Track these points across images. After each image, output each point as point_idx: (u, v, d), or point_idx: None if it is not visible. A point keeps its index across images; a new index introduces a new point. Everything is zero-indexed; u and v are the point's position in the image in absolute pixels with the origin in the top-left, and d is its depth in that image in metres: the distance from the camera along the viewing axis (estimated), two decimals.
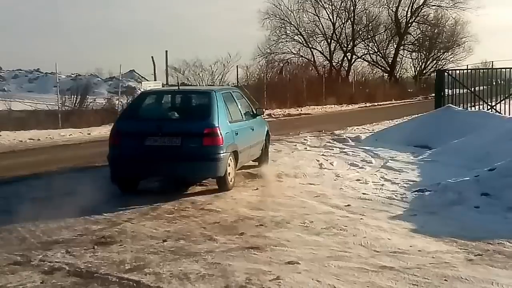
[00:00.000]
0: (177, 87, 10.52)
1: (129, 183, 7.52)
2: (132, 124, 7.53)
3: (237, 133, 7.79)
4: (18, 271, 4.34)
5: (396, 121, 17.02)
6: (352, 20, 45.78)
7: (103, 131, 17.69)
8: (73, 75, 33.41)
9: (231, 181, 7.51)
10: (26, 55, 56.10)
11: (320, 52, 45.82)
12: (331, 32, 45.65)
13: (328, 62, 45.55)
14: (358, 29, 46.33)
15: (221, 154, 7.19)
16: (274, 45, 43.51)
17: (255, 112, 9.23)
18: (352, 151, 11.25)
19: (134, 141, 7.28)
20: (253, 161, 9.10)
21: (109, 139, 7.57)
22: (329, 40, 45.77)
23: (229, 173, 7.40)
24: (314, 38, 45.59)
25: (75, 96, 19.65)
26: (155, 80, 22.62)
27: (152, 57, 22.33)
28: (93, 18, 72.59)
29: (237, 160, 7.78)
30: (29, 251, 4.84)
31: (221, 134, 7.25)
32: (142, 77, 32.73)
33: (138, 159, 7.19)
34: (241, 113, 8.52)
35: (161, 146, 7.15)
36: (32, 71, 36.42)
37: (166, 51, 33.71)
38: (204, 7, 77.16)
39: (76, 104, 19.43)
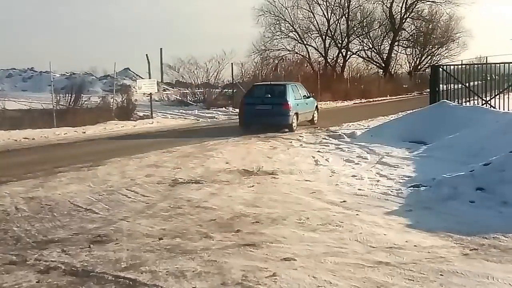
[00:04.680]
0: (270, 82, 20.65)
1: (248, 126, 15.88)
2: (250, 99, 16.43)
3: (298, 105, 16.34)
4: (13, 270, 4.32)
5: (391, 117, 17.05)
6: (346, 16, 45.76)
7: (98, 129, 17.69)
8: (67, 74, 33.22)
9: (294, 127, 15.71)
10: (20, 54, 55.69)
11: (315, 48, 45.84)
12: (326, 28, 45.64)
13: (323, 58, 45.54)
14: (353, 25, 46.33)
15: (290, 113, 15.65)
16: (269, 42, 43.48)
17: (308, 96, 17.88)
18: (348, 147, 11.27)
19: (250, 107, 15.90)
20: (307, 121, 17.51)
21: (239, 107, 17.02)
22: (324, 37, 45.76)
23: (293, 124, 15.77)
24: (309, 34, 45.58)
25: (70, 95, 19.54)
26: (149, 78, 22.52)
27: (146, 55, 22.18)
28: (87, 16, 72.30)
29: (297, 118, 16.17)
30: (25, 251, 4.83)
31: (290, 104, 15.74)
32: (136, 75, 32.67)
33: (252, 115, 15.73)
34: (300, 95, 17.12)
35: (263, 109, 15.63)
36: (26, 70, 36.19)
37: (161, 49, 33.78)
38: (198, 4, 77.03)
39: (70, 103, 19.33)
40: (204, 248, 4.72)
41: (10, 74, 35.44)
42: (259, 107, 15.76)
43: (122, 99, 21.86)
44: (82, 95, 20.47)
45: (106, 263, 4.42)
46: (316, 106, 18.52)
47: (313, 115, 17.96)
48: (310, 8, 45.03)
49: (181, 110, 25.28)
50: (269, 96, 16.43)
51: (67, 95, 19.50)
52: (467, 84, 15.05)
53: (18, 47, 55.65)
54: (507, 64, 15.43)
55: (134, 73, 34.33)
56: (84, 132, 16.87)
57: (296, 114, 16.02)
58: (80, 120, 18.03)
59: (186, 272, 4.14)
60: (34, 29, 66.91)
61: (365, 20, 46.43)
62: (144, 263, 4.38)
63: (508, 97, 14.40)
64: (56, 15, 71.70)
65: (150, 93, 22.20)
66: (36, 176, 8.69)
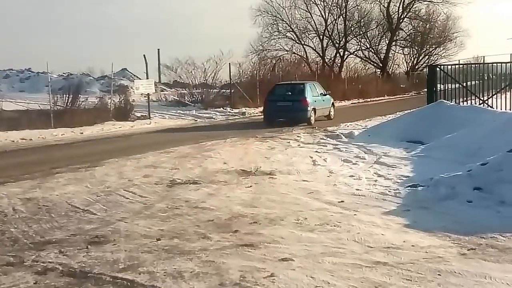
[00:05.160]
0: (290, 81, 22.92)
1: (271, 121, 17.83)
2: (272, 97, 18.58)
3: (315, 101, 18.42)
4: (11, 272, 4.31)
5: (389, 117, 17.07)
6: (344, 16, 45.85)
7: (96, 130, 17.68)
8: (65, 74, 33.18)
9: (312, 121, 17.66)
10: (18, 55, 55.69)
11: (312, 48, 45.93)
12: (323, 28, 45.71)
13: (320, 58, 45.62)
14: (350, 25, 46.41)
15: (308, 109, 17.70)
16: (267, 42, 43.59)
17: (325, 93, 20.03)
18: (345, 147, 11.28)
19: (273, 104, 18.06)
20: (324, 116, 19.40)
21: (263, 104, 19.28)
22: (321, 37, 45.83)
23: (311, 118, 17.80)
24: (307, 34, 45.67)
25: (67, 95, 19.54)
26: (147, 78, 22.50)
27: (144, 55, 22.16)
28: (85, 16, 72.23)
29: (315, 113, 18.20)
30: (22, 252, 4.82)
31: (308, 101, 17.83)
32: (134, 75, 32.63)
33: (275, 111, 17.89)
34: (318, 93, 19.29)
35: (284, 106, 17.68)
36: (24, 70, 36.11)
37: (158, 50, 33.76)
38: (196, 5, 77.02)
39: (68, 104, 19.32)
40: (202, 249, 4.72)
41: (7, 74, 35.36)
42: (280, 104, 17.99)
43: (119, 99, 21.85)
44: (79, 95, 20.47)
45: (103, 264, 4.42)
46: (332, 103, 20.78)
47: (329, 111, 20.10)
48: (307, 8, 45.15)
49: (178, 111, 25.27)
50: (289, 94, 18.63)
51: (64, 95, 19.50)
52: (464, 83, 15.07)
53: (15, 48, 55.59)
54: (504, 64, 15.47)
55: (132, 73, 34.30)
56: (82, 133, 16.86)
57: (314, 109, 18.22)
58: (77, 120, 18.02)
59: (184, 273, 4.13)
60: (32, 29, 66.85)
61: (362, 20, 46.53)
62: (142, 264, 4.38)
63: (505, 97, 14.43)
64: (53, 16, 71.64)
65: (148, 93, 22.20)
66: (34, 177, 8.67)
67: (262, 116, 19.30)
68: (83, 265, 4.43)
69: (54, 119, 17.56)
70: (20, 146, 13.90)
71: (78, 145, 14.05)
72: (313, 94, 18.73)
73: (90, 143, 14.39)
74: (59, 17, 73.10)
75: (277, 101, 18.07)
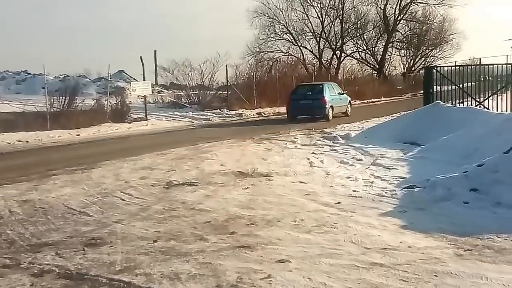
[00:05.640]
0: (310, 82, 25.83)
1: (294, 117, 20.34)
2: (294, 96, 21.11)
3: (333, 99, 20.84)
4: (7, 274, 4.30)
5: (386, 119, 17.10)
6: (340, 18, 45.94)
7: (92, 132, 17.66)
8: (61, 76, 33.13)
9: (330, 118, 20.00)
10: (14, 57, 55.58)
11: (309, 50, 46.02)
12: (320, 30, 45.80)
13: (317, 60, 45.68)
14: (347, 27, 46.52)
15: (327, 106, 20.24)
16: (263, 44, 43.68)
17: (342, 93, 22.58)
18: (342, 149, 11.29)
19: (295, 102, 20.54)
20: (342, 113, 21.85)
21: (287, 102, 21.67)
22: (318, 38, 45.92)
23: (329, 114, 20.20)
24: (303, 36, 45.76)
25: (64, 97, 19.51)
26: (144, 80, 22.51)
27: (141, 57, 22.24)
28: (81, 18, 72.17)
29: (333, 110, 20.60)
30: (18, 254, 4.81)
31: (326, 99, 20.35)
32: (131, 77, 32.60)
33: (297, 109, 20.43)
34: (335, 92, 21.74)
35: (305, 104, 20.22)
36: (20, 72, 36.03)
37: (155, 51, 33.71)
38: (193, 7, 77.03)
39: (64, 105, 19.30)
40: (198, 250, 4.71)
41: (3, 76, 35.27)
42: (302, 102, 20.54)
43: (116, 101, 21.83)
44: (76, 97, 20.44)
45: (100, 266, 4.41)
46: (349, 102, 23.25)
47: (346, 108, 22.57)
48: (304, 10, 45.24)
49: (175, 112, 25.28)
50: (310, 93, 21.13)
51: (61, 97, 19.47)
52: (460, 85, 15.10)
53: (11, 50, 55.54)
54: (500, 66, 15.51)
55: (129, 75, 34.28)
56: (78, 135, 16.84)
57: (332, 107, 20.81)
58: (74, 122, 18.00)
59: (181, 275, 4.13)
60: (28, 31, 66.74)
61: (359, 22, 46.66)
62: (138, 266, 4.37)
63: (502, 98, 14.47)
64: (50, 18, 71.58)
65: (145, 95, 22.20)
66: (30, 179, 8.66)
67: (286, 113, 21.82)
68: (80, 267, 4.42)
69: (51, 121, 17.54)
70: (16, 148, 13.87)
71: (75, 147, 14.03)
72: (331, 93, 21.32)
73: (86, 145, 14.37)
74: (55, 19, 73.08)
75: (299, 100, 20.65)
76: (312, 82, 26.85)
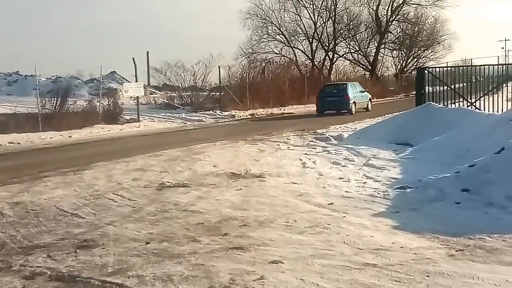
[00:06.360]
0: (335, 82, 31.39)
1: (322, 112, 24.32)
2: (322, 94, 25.06)
3: (355, 96, 24.62)
4: None
5: (378, 119, 17.16)
6: (333, 19, 46.04)
7: (84, 133, 17.59)
8: (53, 78, 33.02)
9: (353, 112, 23.55)
10: (5, 58, 55.27)
11: (302, 51, 46.08)
12: (313, 31, 45.89)
13: (310, 61, 45.76)
14: (339, 28, 46.63)
15: (350, 102, 23.96)
16: (256, 45, 43.70)
17: (363, 91, 26.40)
18: (335, 150, 11.31)
19: (323, 99, 24.49)
20: (363, 108, 25.00)
21: (316, 99, 25.64)
22: (310, 39, 45.98)
23: (352, 109, 23.87)
24: (296, 37, 45.82)
25: (56, 99, 19.44)
26: (136, 81, 22.44)
27: (133, 58, 22.13)
28: (73, 19, 71.89)
29: (355, 106, 24.20)
30: (10, 256, 4.77)
31: (349, 96, 24.12)
32: (123, 78, 32.54)
33: (325, 104, 24.31)
34: (357, 90, 25.56)
35: (331, 100, 23.97)
36: (11, 73, 35.87)
37: (147, 52, 33.74)
38: (185, 8, 76.94)
39: (56, 107, 19.23)
40: (191, 252, 4.70)
41: None
42: (329, 99, 24.22)
43: (108, 102, 21.78)
44: (68, 99, 20.39)
45: (92, 268, 4.39)
46: (370, 98, 27.03)
47: (367, 104, 26.12)
48: (297, 11, 45.31)
49: (168, 114, 25.24)
50: (335, 91, 24.77)
51: (52, 99, 19.41)
52: (452, 86, 15.18)
53: (3, 51, 55.16)
54: (492, 66, 15.61)
55: (121, 76, 34.24)
56: (70, 136, 16.77)
57: (354, 103, 24.33)
58: (66, 124, 17.93)
59: (173, 276, 4.12)
60: (20, 32, 66.41)
61: (351, 23, 46.79)
62: (131, 268, 4.35)
63: (493, 99, 14.56)
64: (41, 19, 71.26)
65: (137, 96, 22.14)
66: (22, 181, 8.61)
67: (315, 108, 25.49)
68: (72, 269, 4.39)
69: (42, 122, 17.46)
70: (7, 149, 13.79)
71: (67, 148, 13.96)
72: (354, 91, 25.00)
73: (78, 147, 14.31)
74: (47, 20, 72.77)
75: (326, 97, 24.41)
76: (336, 82, 31.40)
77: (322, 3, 45.47)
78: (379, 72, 50.14)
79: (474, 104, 14.81)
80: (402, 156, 9.97)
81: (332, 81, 40.18)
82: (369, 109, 25.76)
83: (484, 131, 9.30)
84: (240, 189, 7.56)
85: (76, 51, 62.79)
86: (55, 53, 60.78)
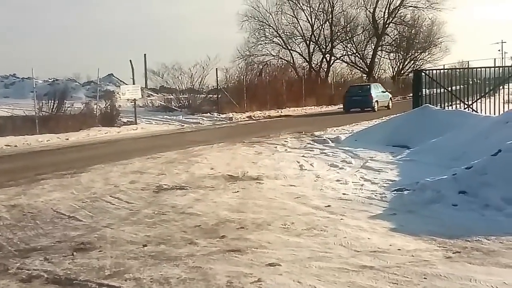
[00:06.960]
0: (360, 83, 33.58)
1: (349, 109, 27.75)
2: (349, 94, 28.83)
3: (377, 96, 28.37)
4: None
5: (375, 122, 17.18)
6: (330, 21, 46.13)
7: (82, 136, 17.58)
8: (50, 80, 32.93)
9: (376, 109, 26.84)
10: (2, 60, 55.18)
11: (299, 53, 46.17)
12: (310, 33, 45.96)
13: (307, 63, 45.83)
14: (337, 31, 46.72)
15: (373, 101, 27.59)
16: (253, 47, 43.76)
17: (385, 91, 30.60)
18: (332, 152, 11.31)
19: (349, 98, 28.25)
20: (384, 106, 28.46)
21: (343, 98, 29.48)
22: (308, 42, 46.06)
23: (375, 107, 27.40)
24: (293, 40, 45.91)
25: (53, 101, 19.42)
26: (133, 83, 22.43)
27: (130, 60, 22.11)
28: (70, 21, 71.85)
29: (378, 104, 27.83)
30: (6, 259, 4.76)
31: (373, 95, 27.78)
32: (120, 81, 32.51)
33: (351, 103, 28.05)
34: (380, 90, 29.58)
35: (357, 99, 27.68)
36: (8, 76, 35.77)
37: (145, 55, 33.66)
38: (182, 10, 76.99)
39: (53, 109, 19.20)
40: (188, 255, 4.70)
41: None
42: (354, 98, 27.61)
43: (105, 105, 21.78)
44: (65, 101, 20.37)
45: (89, 271, 4.38)
46: (390, 98, 30.65)
47: (388, 103, 29.43)
48: (294, 14, 45.41)
49: (165, 116, 25.24)
50: (360, 91, 28.12)
51: (50, 101, 19.39)
52: (449, 88, 15.21)
53: None
54: (488, 69, 15.65)
55: (118, 79, 34.17)
56: (67, 139, 16.74)
57: (377, 101, 27.73)
58: (63, 126, 17.91)
59: (171, 279, 4.11)
60: (17, 35, 66.31)
61: (348, 26, 46.87)
62: (128, 271, 4.35)
63: (490, 101, 14.59)
64: (38, 21, 71.17)
65: (134, 99, 22.15)
66: (19, 184, 8.59)
67: (342, 106, 28.83)
68: (69, 272, 4.38)
69: (40, 125, 17.43)
70: (4, 152, 13.77)
71: (64, 151, 13.94)
72: (376, 91, 28.51)
73: (75, 149, 14.29)
74: (44, 22, 72.69)
75: (352, 97, 27.89)
76: (361, 83, 33.73)
77: (319, 6, 45.63)
78: (376, 75, 50.21)
79: (471, 106, 14.85)
80: (399, 158, 9.98)
81: (329, 83, 40.35)
82: (390, 107, 28.72)
83: (481, 133, 9.32)
84: (238, 191, 7.56)
85: (73, 54, 62.73)
86: (52, 56, 60.75)
